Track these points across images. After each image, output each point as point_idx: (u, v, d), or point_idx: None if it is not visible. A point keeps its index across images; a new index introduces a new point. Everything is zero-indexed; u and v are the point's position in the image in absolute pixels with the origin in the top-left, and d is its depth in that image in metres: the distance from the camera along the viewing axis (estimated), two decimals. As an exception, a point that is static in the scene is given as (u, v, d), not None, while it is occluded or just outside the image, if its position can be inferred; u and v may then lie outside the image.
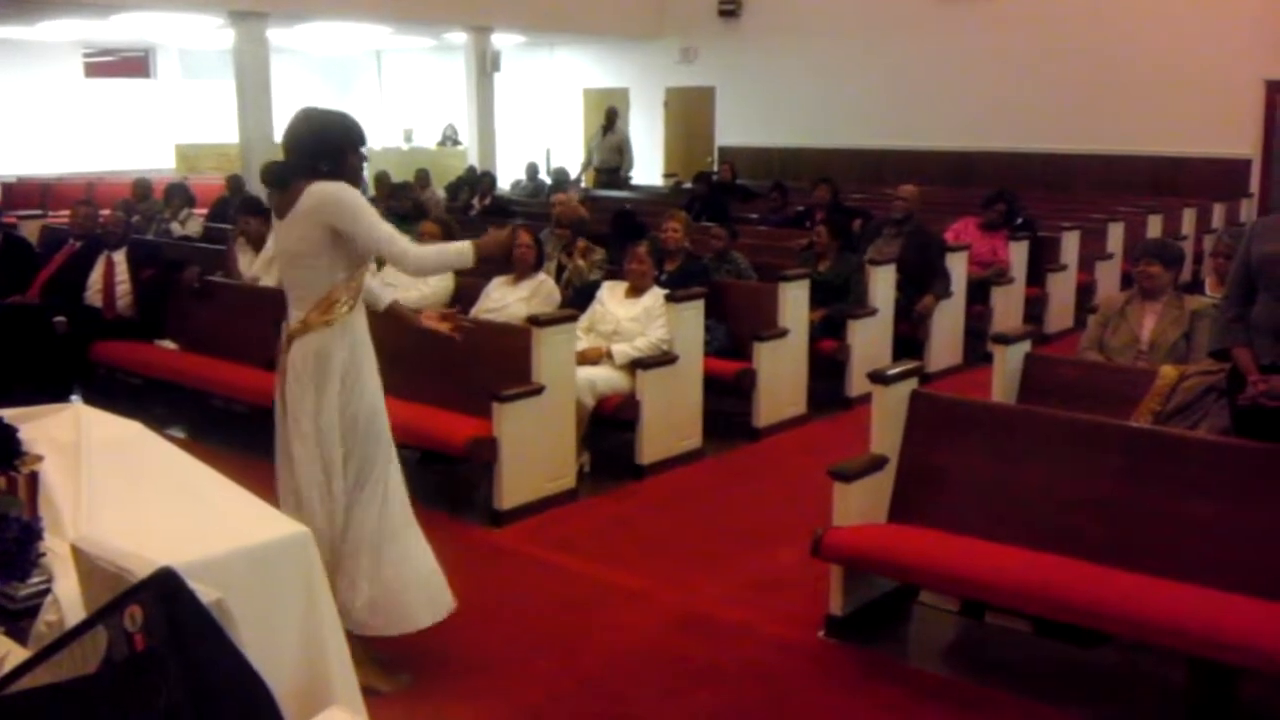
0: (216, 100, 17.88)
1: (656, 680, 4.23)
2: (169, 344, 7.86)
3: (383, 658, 4.10)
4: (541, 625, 4.66)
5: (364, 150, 4.04)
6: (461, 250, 4.03)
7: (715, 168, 16.90)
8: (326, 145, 3.90)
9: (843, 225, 8.65)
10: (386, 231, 3.86)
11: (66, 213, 8.87)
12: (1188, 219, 12.30)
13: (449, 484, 6.39)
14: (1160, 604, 3.71)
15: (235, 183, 12.87)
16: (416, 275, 3.93)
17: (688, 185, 14.78)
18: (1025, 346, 5.30)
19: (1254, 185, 13.95)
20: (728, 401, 7.15)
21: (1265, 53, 13.33)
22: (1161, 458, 4.19)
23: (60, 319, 7.67)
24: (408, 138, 20.77)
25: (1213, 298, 5.61)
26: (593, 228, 8.54)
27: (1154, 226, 11.43)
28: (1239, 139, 13.89)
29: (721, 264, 7.91)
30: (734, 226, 8.93)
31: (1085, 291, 10.24)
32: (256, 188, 12.29)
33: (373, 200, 12.29)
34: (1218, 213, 13.02)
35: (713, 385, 6.90)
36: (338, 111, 4.06)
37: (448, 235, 8.02)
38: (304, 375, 3.90)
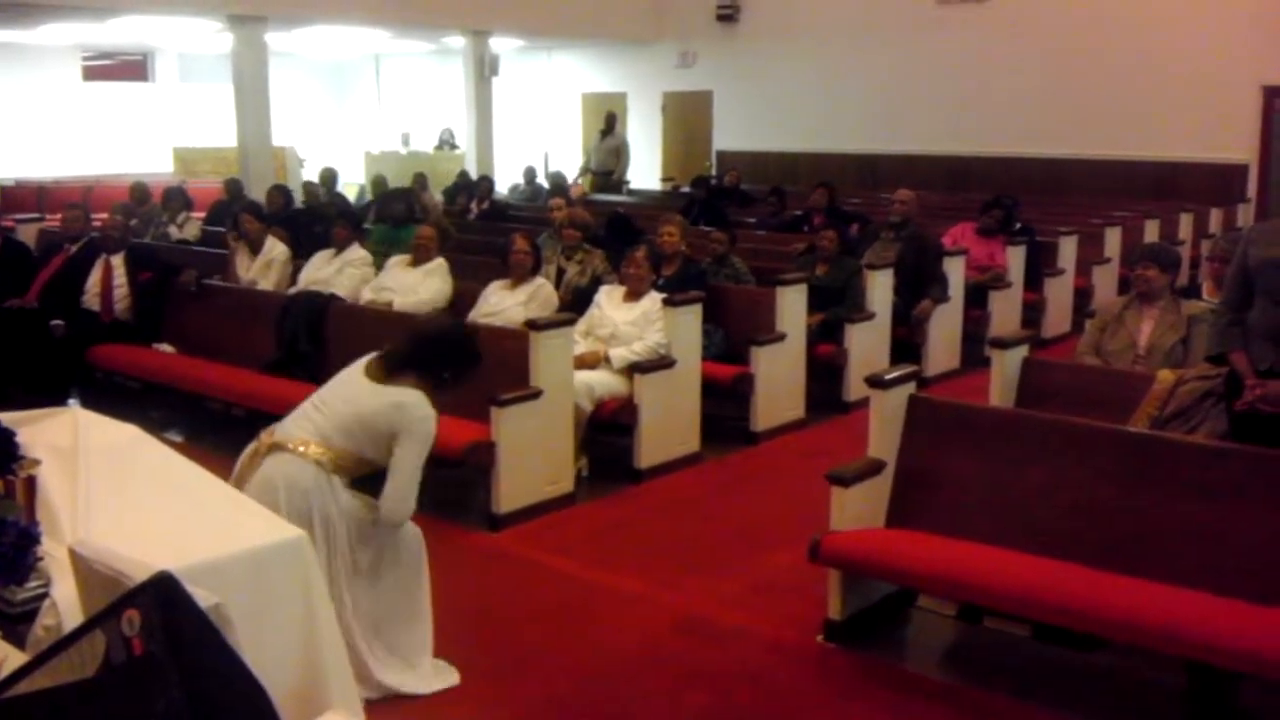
0: (215, 104, 17.89)
1: (654, 684, 4.23)
2: (167, 347, 7.85)
3: None
4: (539, 629, 4.65)
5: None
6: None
7: (714, 172, 16.91)
8: (457, 357, 4.06)
9: (840, 229, 8.66)
10: (412, 482, 3.87)
11: (61, 216, 8.86)
12: (1185, 224, 12.31)
13: (447, 488, 6.39)
14: (1158, 608, 3.71)
15: (233, 186, 12.86)
16: (395, 520, 3.94)
17: (685, 189, 14.79)
18: (1023, 351, 5.30)
19: (1251, 190, 13.96)
20: (725, 406, 7.15)
21: (1263, 58, 13.35)
22: (1159, 462, 4.20)
23: (58, 322, 7.67)
24: (405, 141, 20.78)
25: (1210, 302, 5.61)
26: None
27: (1151, 231, 11.44)
28: (1236, 144, 13.90)
29: (720, 268, 7.92)
30: (733, 230, 8.94)
31: (1083, 296, 10.26)
32: (255, 191, 12.32)
33: (369, 204, 12.34)
34: (1215, 218, 13.04)
35: (710, 389, 6.90)
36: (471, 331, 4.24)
37: (443, 239, 8.04)
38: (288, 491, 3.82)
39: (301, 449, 3.85)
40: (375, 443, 3.88)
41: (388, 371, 3.95)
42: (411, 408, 3.86)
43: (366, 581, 3.95)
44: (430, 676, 4.10)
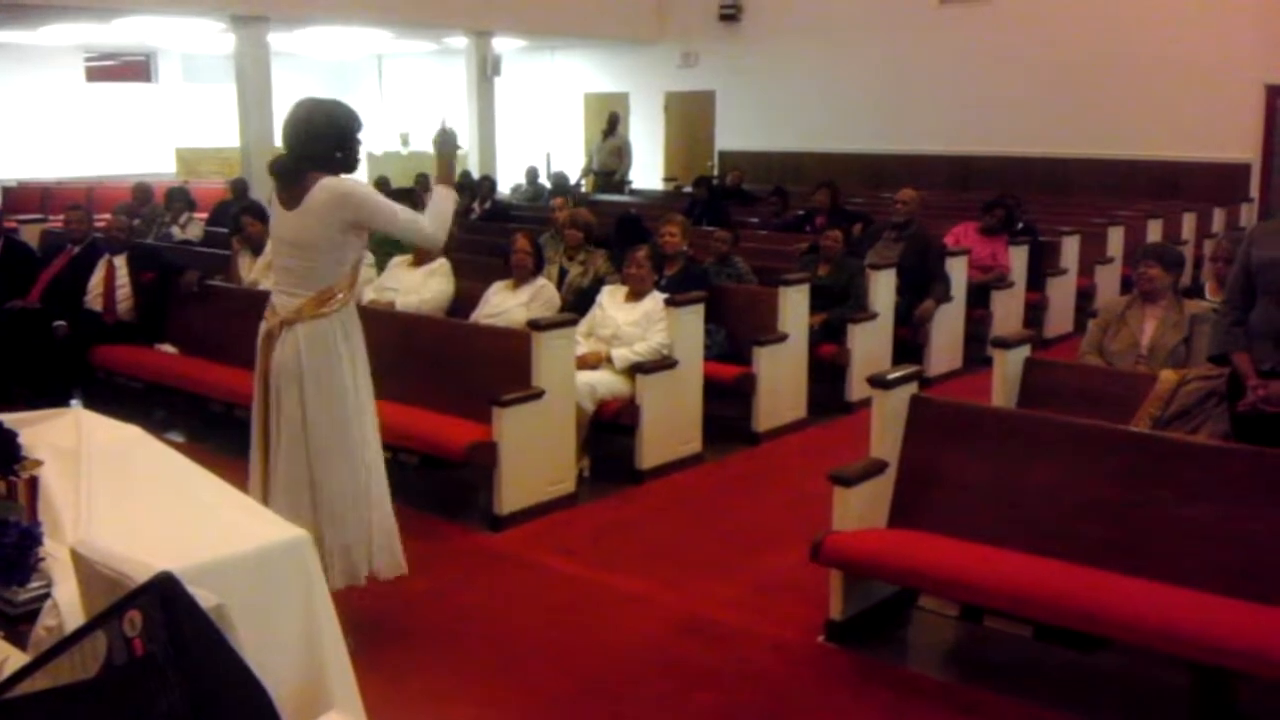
0: (217, 104, 17.89)
1: (656, 684, 4.23)
2: (169, 348, 7.86)
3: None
4: (541, 629, 4.66)
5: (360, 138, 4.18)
6: (443, 196, 4.23)
7: (716, 172, 16.91)
8: (340, 132, 4.04)
9: (843, 229, 8.66)
10: (404, 218, 4.03)
11: (64, 217, 8.86)
12: (1188, 223, 12.30)
13: (449, 488, 6.40)
14: (1160, 608, 3.71)
15: (238, 186, 12.86)
16: (436, 241, 4.19)
17: (687, 189, 14.79)
18: (1025, 351, 5.30)
19: (1254, 190, 13.96)
20: (727, 406, 7.15)
21: (1265, 57, 13.34)
22: (1161, 462, 4.19)
23: (60, 323, 7.67)
24: (404, 141, 20.76)
25: (1212, 302, 5.61)
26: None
27: (1154, 231, 11.43)
28: (1239, 143, 13.90)
29: (722, 268, 7.92)
30: (736, 230, 8.94)
31: (1085, 296, 10.25)
32: (260, 192, 12.32)
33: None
34: (1218, 217, 13.03)
35: (712, 390, 6.90)
36: (337, 100, 4.21)
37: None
38: (308, 362, 4.00)
39: (310, 313, 3.99)
40: (348, 244, 4.01)
41: (293, 189, 4.00)
42: (341, 192, 3.93)
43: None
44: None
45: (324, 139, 4.00)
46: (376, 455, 4.24)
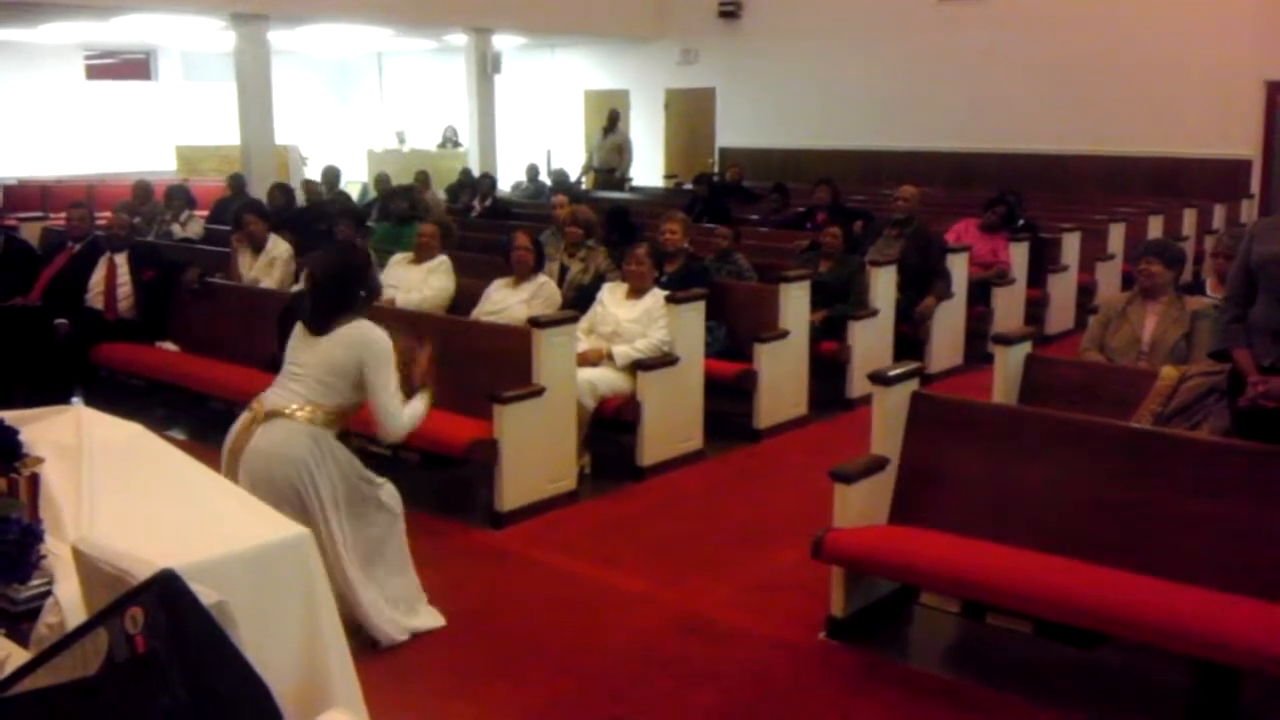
0: (217, 102, 17.86)
1: (657, 681, 4.23)
2: (170, 346, 7.86)
3: None
4: (542, 627, 4.66)
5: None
6: (424, 403, 4.43)
7: (716, 169, 16.90)
8: (355, 275, 4.41)
9: (844, 226, 8.66)
10: (390, 394, 4.25)
11: (65, 215, 8.86)
12: (1188, 220, 12.30)
13: (450, 486, 6.40)
14: (1161, 605, 3.71)
15: (236, 182, 12.86)
16: (396, 434, 4.39)
17: (688, 186, 14.78)
18: (1026, 347, 5.30)
19: (1255, 186, 13.95)
20: (729, 403, 7.15)
21: (1266, 53, 13.33)
22: (1162, 458, 4.19)
23: (61, 321, 7.67)
24: (400, 139, 20.74)
25: (1213, 298, 5.60)
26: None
27: (1155, 227, 11.43)
28: (1240, 140, 13.89)
29: (723, 264, 7.93)
30: (738, 227, 8.94)
31: (1086, 292, 10.23)
32: (257, 189, 12.32)
33: (373, 202, 12.34)
34: (1218, 213, 13.02)
35: (713, 386, 6.90)
36: (340, 249, 4.82)
37: (445, 235, 8.04)
38: (274, 467, 4.18)
39: (297, 413, 4.20)
40: (352, 384, 4.23)
41: (324, 327, 4.26)
42: (371, 339, 4.23)
43: (356, 535, 4.33)
44: (428, 615, 4.56)
45: (346, 283, 4.35)
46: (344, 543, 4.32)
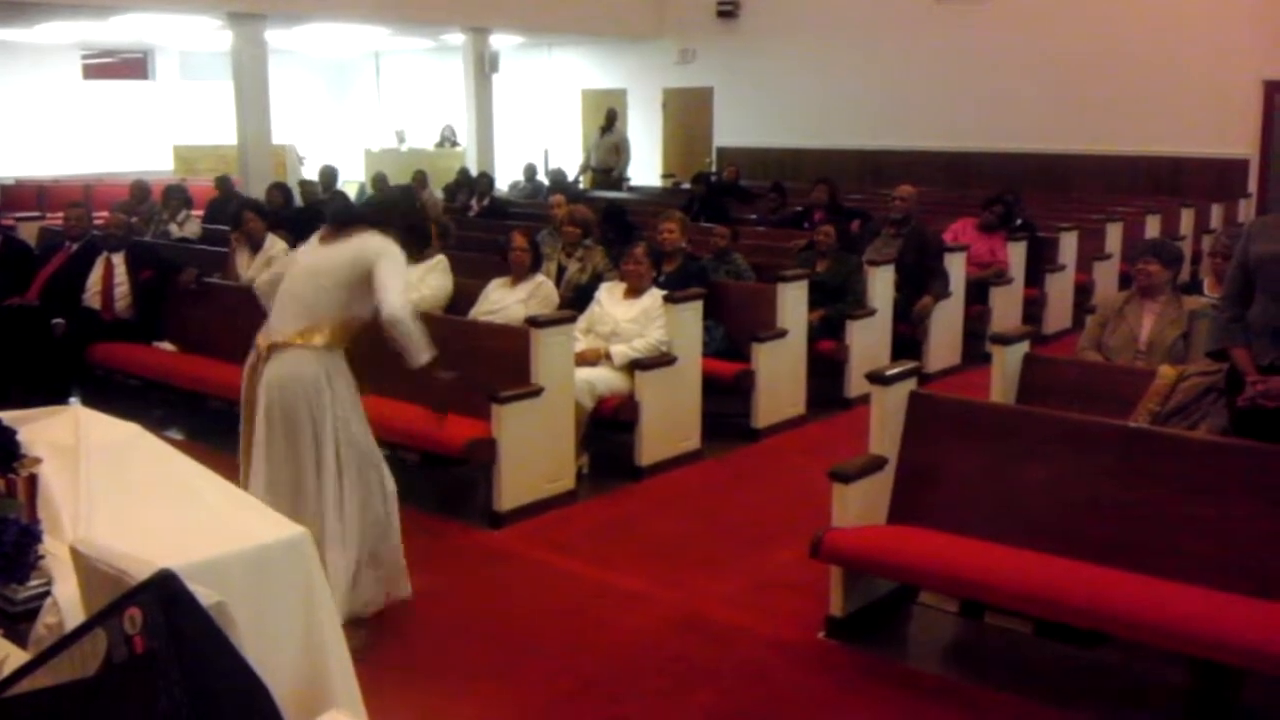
0: (215, 102, 17.88)
1: (656, 681, 4.23)
2: (167, 346, 7.85)
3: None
4: (540, 626, 4.65)
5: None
6: (424, 350, 4.32)
7: (714, 168, 16.90)
8: (405, 217, 4.45)
9: (841, 226, 8.66)
10: (401, 285, 4.21)
11: (63, 215, 8.86)
12: (1186, 219, 12.31)
13: (448, 486, 6.39)
14: (1160, 604, 3.71)
15: (224, 184, 12.86)
16: (389, 324, 4.28)
17: (685, 186, 14.78)
18: (1024, 347, 5.30)
19: (1252, 185, 13.97)
20: (726, 402, 7.15)
21: (1263, 53, 13.34)
22: (1160, 458, 4.19)
23: (59, 321, 7.66)
24: (400, 139, 20.74)
25: (1211, 298, 5.61)
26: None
27: (1152, 227, 11.44)
28: (1237, 139, 13.90)
29: (721, 263, 7.93)
30: (736, 227, 8.94)
31: (1083, 292, 10.24)
32: (255, 189, 12.31)
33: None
34: (1216, 213, 13.04)
35: (711, 386, 6.90)
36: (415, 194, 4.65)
37: (442, 236, 8.03)
38: (297, 393, 4.20)
39: (299, 340, 4.19)
40: (358, 291, 4.19)
41: (341, 229, 4.26)
42: (377, 242, 4.21)
43: (350, 483, 4.30)
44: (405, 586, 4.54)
45: (390, 214, 4.38)
46: (338, 502, 4.30)
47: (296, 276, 4.33)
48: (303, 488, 4.25)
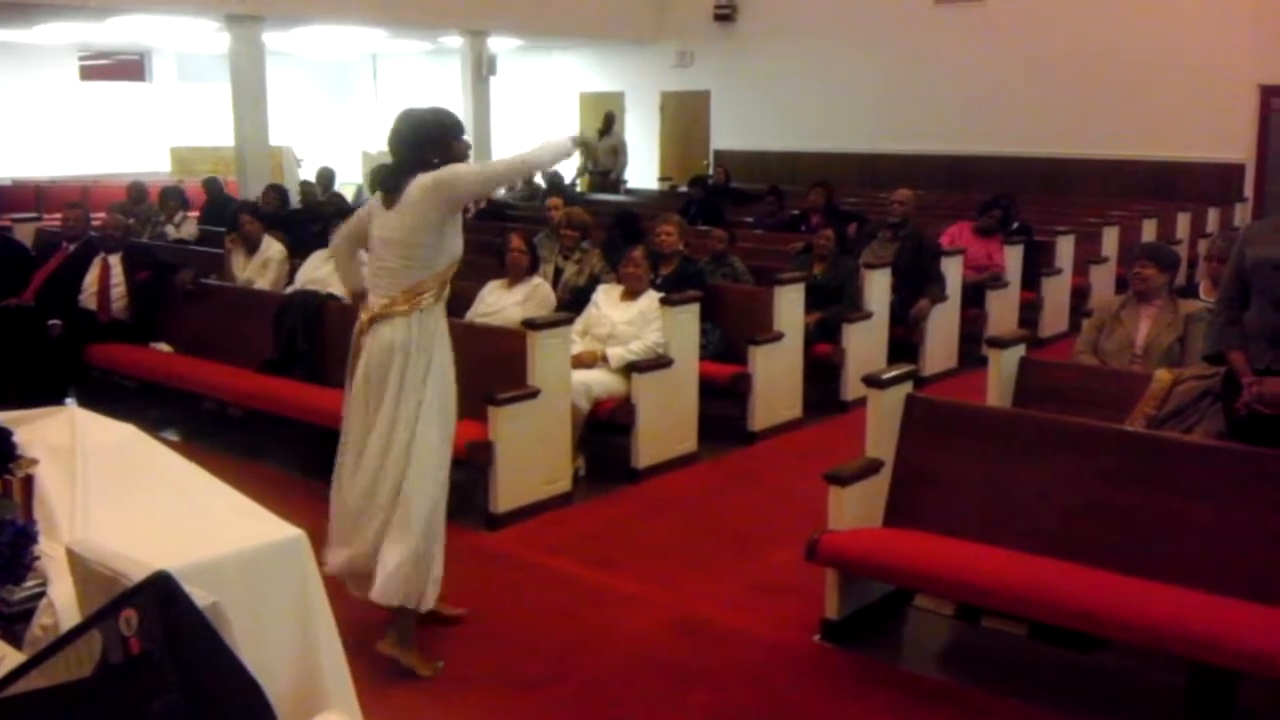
0: (212, 103, 17.87)
1: (652, 684, 4.23)
2: (164, 347, 7.85)
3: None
4: (536, 629, 4.65)
5: (466, 139, 4.44)
6: (546, 149, 4.63)
7: (711, 171, 16.91)
8: (429, 137, 4.23)
9: (838, 229, 8.67)
10: (480, 171, 4.34)
11: (61, 215, 8.86)
12: (1182, 223, 12.32)
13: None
14: (1155, 608, 3.71)
15: (212, 185, 12.85)
16: (494, 174, 4.53)
17: (683, 189, 14.78)
18: (1020, 350, 5.30)
19: (1248, 190, 13.98)
20: (723, 405, 7.15)
21: (1260, 57, 13.36)
22: (1157, 462, 4.20)
23: (55, 322, 7.65)
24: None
25: (1207, 302, 5.61)
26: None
27: (1149, 230, 11.46)
28: (1234, 143, 13.92)
29: (718, 266, 7.94)
30: (733, 230, 8.94)
31: (1080, 295, 10.26)
32: (252, 191, 12.31)
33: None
34: (1212, 217, 13.05)
35: (708, 389, 6.90)
36: (432, 107, 4.41)
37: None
38: (390, 358, 4.16)
39: (396, 309, 4.15)
40: (438, 236, 4.16)
41: (394, 190, 4.19)
42: (431, 178, 4.10)
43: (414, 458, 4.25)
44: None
45: (418, 146, 4.21)
46: (424, 479, 4.29)
47: (378, 252, 4.26)
48: (366, 459, 4.22)
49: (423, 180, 4.12)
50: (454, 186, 4.14)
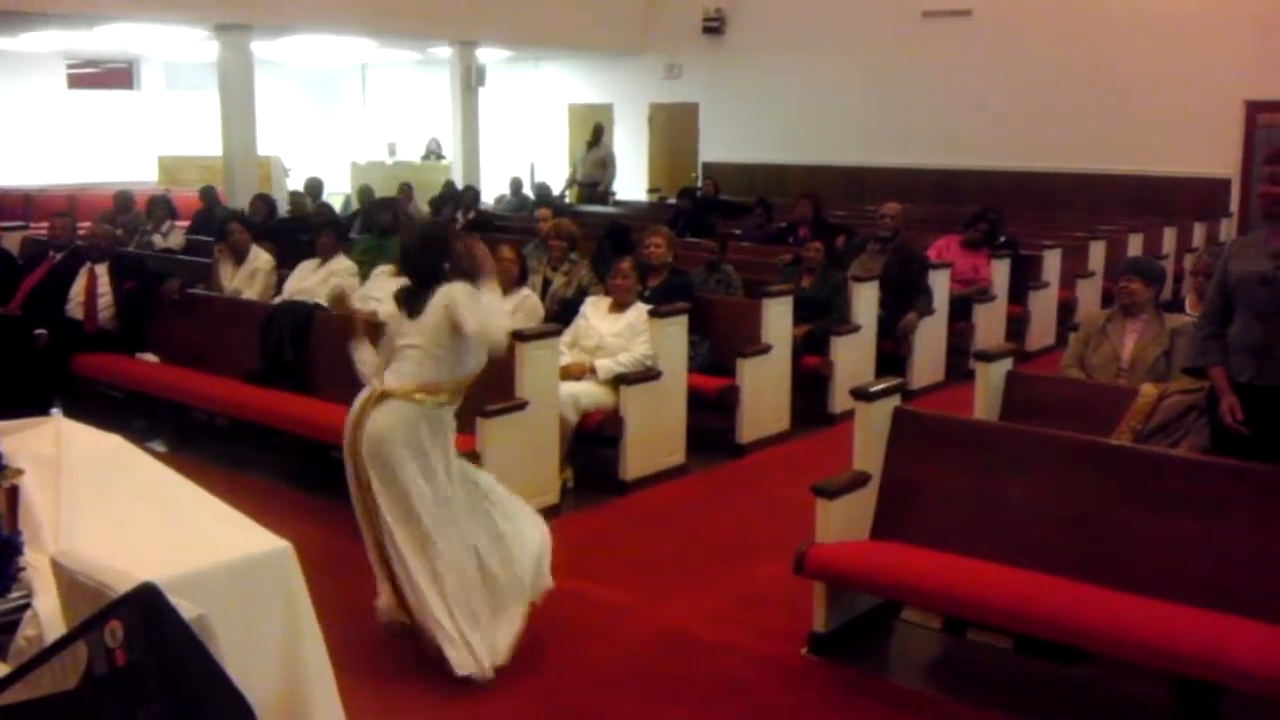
0: (200, 112, 17.82)
1: (639, 697, 4.22)
2: (150, 357, 7.83)
3: None
4: (524, 642, 4.63)
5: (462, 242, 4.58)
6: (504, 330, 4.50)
7: (699, 183, 16.94)
8: (435, 248, 4.43)
9: (826, 242, 8.69)
10: (485, 316, 4.25)
11: (48, 224, 8.83)
12: (1168, 238, 12.38)
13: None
14: (1141, 621, 3.72)
15: (208, 194, 12.83)
16: (498, 343, 4.44)
17: (672, 201, 14.80)
18: (1007, 364, 5.32)
19: (1234, 205, 14.05)
20: (711, 417, 7.15)
21: (1245, 73, 13.43)
22: (1142, 475, 4.21)
23: (41, 331, 7.63)
24: (391, 151, 20.75)
25: (1193, 316, 5.64)
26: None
27: (1135, 245, 11.51)
28: (1219, 159, 13.99)
29: (712, 275, 7.98)
30: (724, 239, 8.97)
31: (1066, 309, 10.30)
32: (240, 200, 12.28)
33: (355, 214, 12.32)
34: (1198, 232, 13.11)
35: (696, 401, 6.90)
36: (430, 221, 4.56)
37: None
38: (391, 436, 4.22)
39: (413, 394, 4.24)
40: (455, 345, 4.27)
41: (416, 305, 4.31)
42: (454, 289, 4.26)
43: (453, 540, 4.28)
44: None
45: (425, 258, 4.39)
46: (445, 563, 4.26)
47: (404, 342, 4.36)
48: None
49: (444, 290, 4.27)
50: (459, 317, 4.22)
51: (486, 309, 4.27)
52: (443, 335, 4.26)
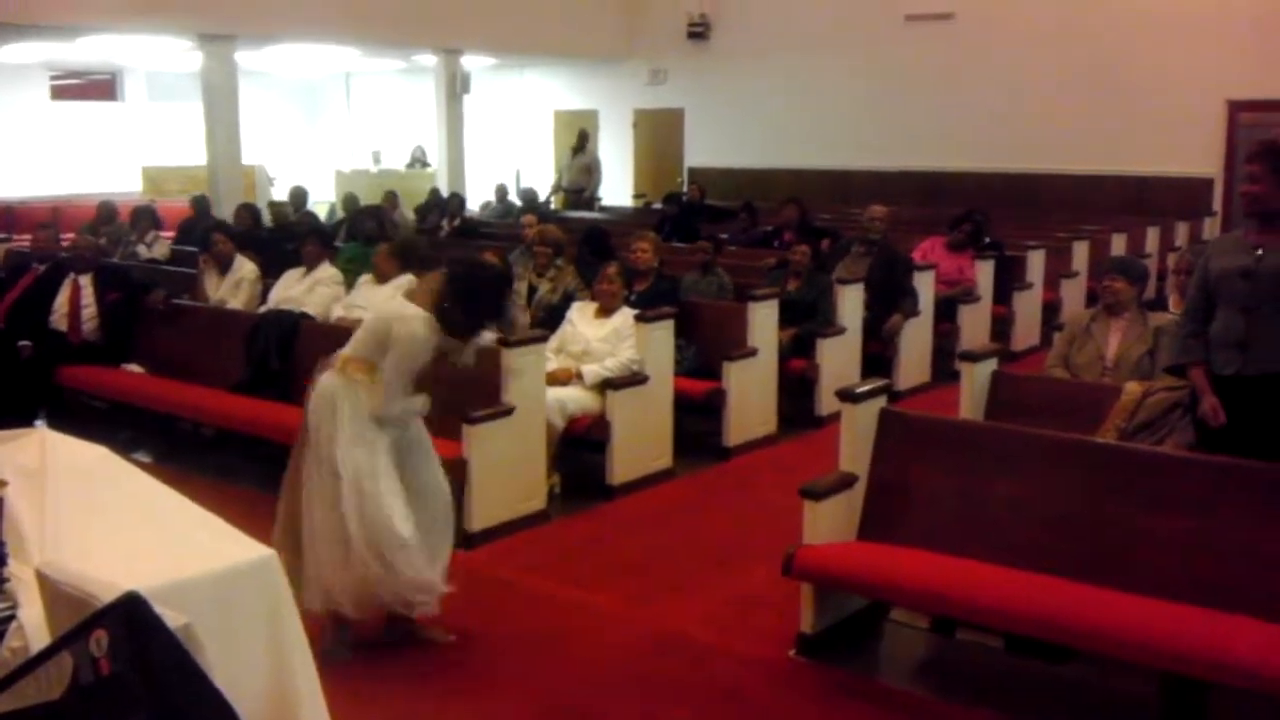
0: (184, 123, 17.79)
1: (629, 701, 4.22)
2: (135, 368, 7.80)
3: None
4: (513, 647, 4.64)
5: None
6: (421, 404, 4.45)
7: (685, 188, 16.97)
8: (470, 299, 4.37)
9: (812, 245, 8.72)
10: (392, 385, 4.27)
11: (30, 236, 8.80)
12: (1151, 237, 12.43)
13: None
14: (1128, 619, 3.73)
15: (201, 204, 12.80)
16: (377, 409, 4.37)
17: (657, 206, 14.82)
18: (992, 364, 5.34)
19: (1217, 204, 14.13)
20: (698, 421, 7.16)
21: (1227, 73, 13.51)
22: (1128, 473, 4.23)
23: (25, 343, 7.60)
24: (376, 159, 20.74)
25: (1176, 315, 5.67)
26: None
27: (1118, 245, 11.56)
28: (1202, 158, 14.07)
29: (705, 276, 8.02)
30: (719, 242, 9.04)
31: (1051, 309, 10.33)
32: (225, 210, 12.26)
33: (340, 222, 12.31)
34: (1181, 231, 13.17)
35: (683, 405, 6.91)
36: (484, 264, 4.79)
37: (403, 255, 7.98)
38: (320, 408, 4.32)
39: (338, 365, 4.34)
40: (378, 350, 4.29)
41: (403, 269, 4.45)
42: (402, 322, 4.25)
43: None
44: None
45: (460, 296, 4.35)
46: (364, 515, 4.26)
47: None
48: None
49: (413, 313, 4.29)
50: (391, 345, 4.28)
51: (410, 360, 4.27)
52: (371, 331, 4.34)
